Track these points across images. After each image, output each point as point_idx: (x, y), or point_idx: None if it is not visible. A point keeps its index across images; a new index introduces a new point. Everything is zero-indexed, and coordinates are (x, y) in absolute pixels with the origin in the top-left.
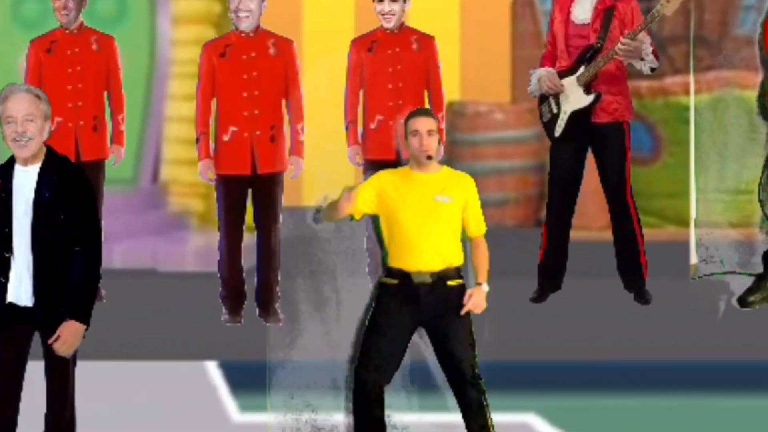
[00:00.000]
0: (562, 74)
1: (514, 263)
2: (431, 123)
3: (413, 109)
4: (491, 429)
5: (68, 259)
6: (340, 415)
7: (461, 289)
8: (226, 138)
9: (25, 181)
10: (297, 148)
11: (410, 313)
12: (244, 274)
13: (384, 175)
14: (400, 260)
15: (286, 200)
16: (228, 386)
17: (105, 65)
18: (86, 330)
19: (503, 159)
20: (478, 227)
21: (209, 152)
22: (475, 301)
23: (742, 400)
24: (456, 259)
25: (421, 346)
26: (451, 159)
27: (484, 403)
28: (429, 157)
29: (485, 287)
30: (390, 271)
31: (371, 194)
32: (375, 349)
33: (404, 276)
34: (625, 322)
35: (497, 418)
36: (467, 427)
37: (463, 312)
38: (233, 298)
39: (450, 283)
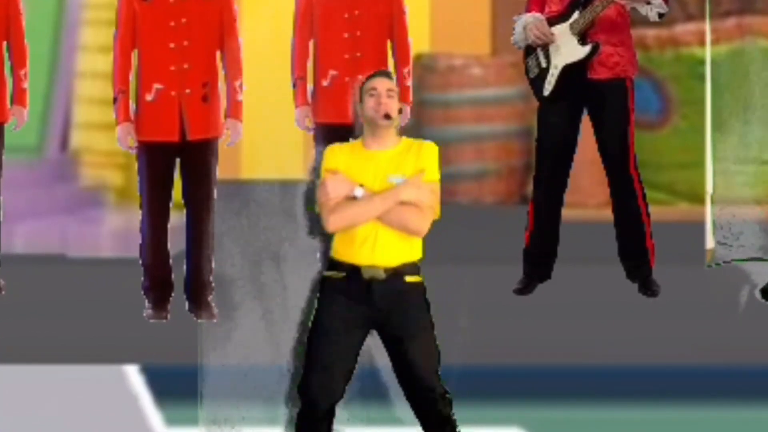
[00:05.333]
0: (553, 21)
1: (494, 248)
2: (391, 84)
3: (371, 72)
4: None
5: None
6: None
7: (420, 288)
8: (149, 97)
9: None
10: (234, 110)
11: (361, 314)
12: (171, 261)
13: (336, 150)
14: (348, 253)
15: (221, 172)
16: (152, 395)
17: (4, 11)
18: None
19: (482, 122)
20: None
21: (129, 114)
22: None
23: None
24: (414, 253)
25: (372, 350)
26: (419, 122)
27: (452, 418)
28: (387, 116)
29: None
30: (334, 265)
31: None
32: (322, 361)
33: (353, 270)
34: (627, 318)
35: None
36: None
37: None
38: (158, 289)
39: (408, 279)
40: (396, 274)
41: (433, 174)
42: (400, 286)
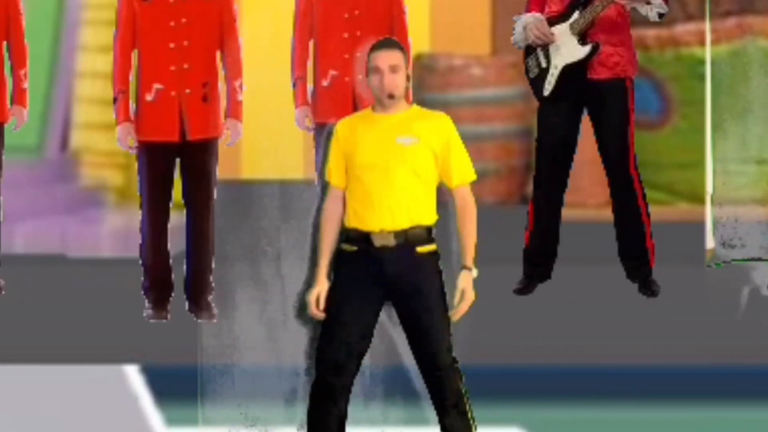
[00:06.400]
0: (553, 21)
1: (494, 248)
2: (395, 57)
3: (375, 41)
4: (472, 422)
5: None
6: (287, 430)
7: (433, 257)
8: (149, 97)
9: None
10: (234, 110)
11: (373, 285)
12: (171, 261)
13: (341, 123)
14: (357, 219)
15: (221, 172)
16: (152, 395)
17: (4, 11)
18: None
19: (482, 122)
20: (460, 173)
21: (129, 114)
22: (468, 297)
23: None
24: (426, 216)
25: (389, 327)
26: None
27: (462, 389)
28: (391, 96)
29: (474, 272)
30: (347, 235)
31: (340, 155)
32: (335, 341)
33: (363, 239)
34: (627, 319)
35: None
36: (441, 422)
37: (455, 318)
38: (158, 289)
39: (420, 249)
40: (407, 242)
41: (459, 144)
42: (411, 258)
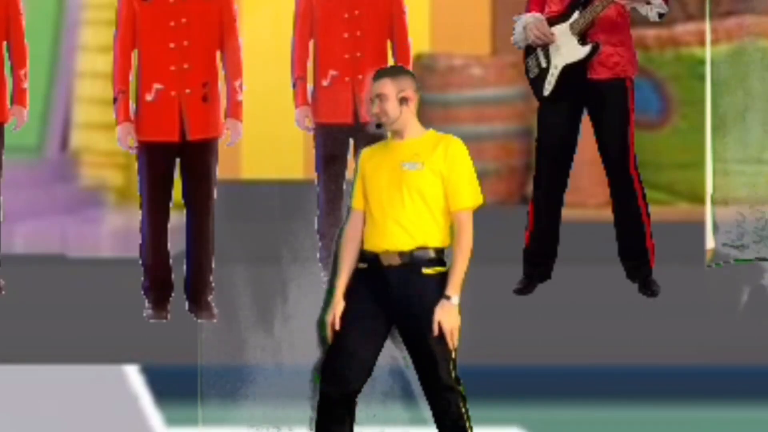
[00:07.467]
0: (553, 21)
1: (494, 248)
2: (381, 85)
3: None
4: None
5: None
6: (288, 430)
7: (440, 279)
8: (149, 97)
9: None
10: (234, 110)
11: (379, 303)
12: (171, 261)
13: (366, 149)
14: (370, 240)
15: (221, 172)
16: (152, 395)
17: (4, 11)
18: None
19: (482, 122)
20: (459, 199)
21: (129, 115)
22: (447, 328)
23: None
24: (433, 238)
25: (394, 350)
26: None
27: (463, 410)
28: (378, 125)
29: (455, 300)
30: (362, 255)
31: (361, 180)
32: (338, 352)
33: (373, 258)
34: (627, 319)
35: None
36: None
37: (453, 347)
38: (158, 289)
39: (426, 271)
40: (413, 261)
41: (464, 169)
42: (417, 279)
